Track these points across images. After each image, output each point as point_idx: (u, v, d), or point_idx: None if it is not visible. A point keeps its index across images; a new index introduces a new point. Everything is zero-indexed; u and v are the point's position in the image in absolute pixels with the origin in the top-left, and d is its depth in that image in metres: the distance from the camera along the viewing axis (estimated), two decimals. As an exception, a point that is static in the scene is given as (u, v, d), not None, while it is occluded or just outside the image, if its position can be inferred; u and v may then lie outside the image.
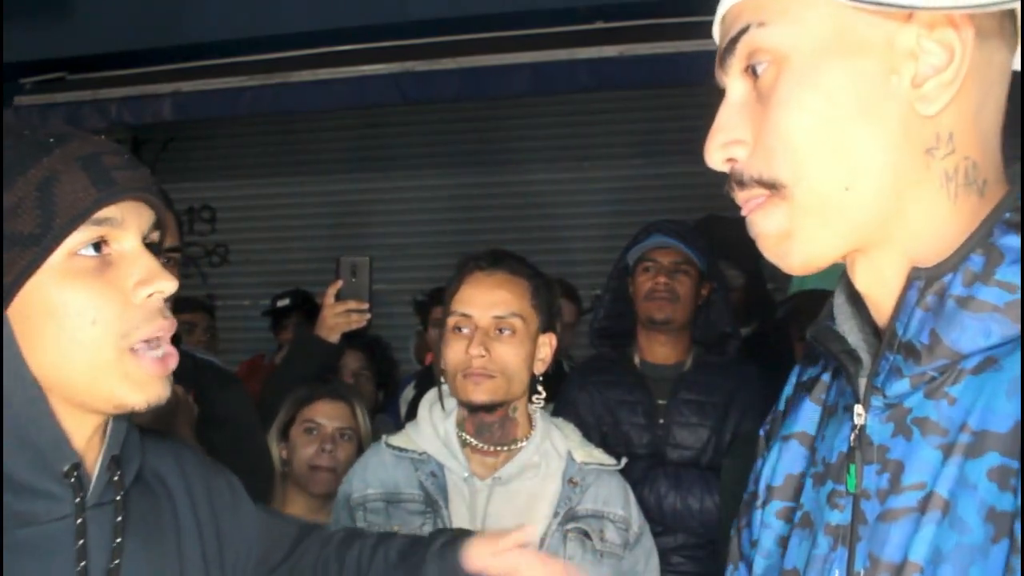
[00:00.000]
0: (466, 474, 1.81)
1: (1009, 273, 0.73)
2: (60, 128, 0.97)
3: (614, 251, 2.90)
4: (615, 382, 2.66)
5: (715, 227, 3.27)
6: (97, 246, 0.94)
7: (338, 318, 2.36)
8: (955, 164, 0.77)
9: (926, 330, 0.76)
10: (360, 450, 2.46)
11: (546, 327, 1.84)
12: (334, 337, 2.38)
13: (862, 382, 0.82)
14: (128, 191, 0.95)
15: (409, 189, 5.81)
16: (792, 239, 0.80)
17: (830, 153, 0.77)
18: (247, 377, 4.40)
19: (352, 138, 5.80)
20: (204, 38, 4.02)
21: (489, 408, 1.79)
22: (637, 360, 2.70)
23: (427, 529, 1.77)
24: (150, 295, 0.95)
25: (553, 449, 1.86)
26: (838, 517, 0.81)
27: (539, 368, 1.84)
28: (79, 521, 0.96)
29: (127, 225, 0.95)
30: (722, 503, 2.32)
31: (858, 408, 0.81)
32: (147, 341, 0.95)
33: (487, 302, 1.78)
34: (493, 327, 1.77)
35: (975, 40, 0.76)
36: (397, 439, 1.88)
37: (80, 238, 0.92)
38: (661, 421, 2.59)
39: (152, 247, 0.98)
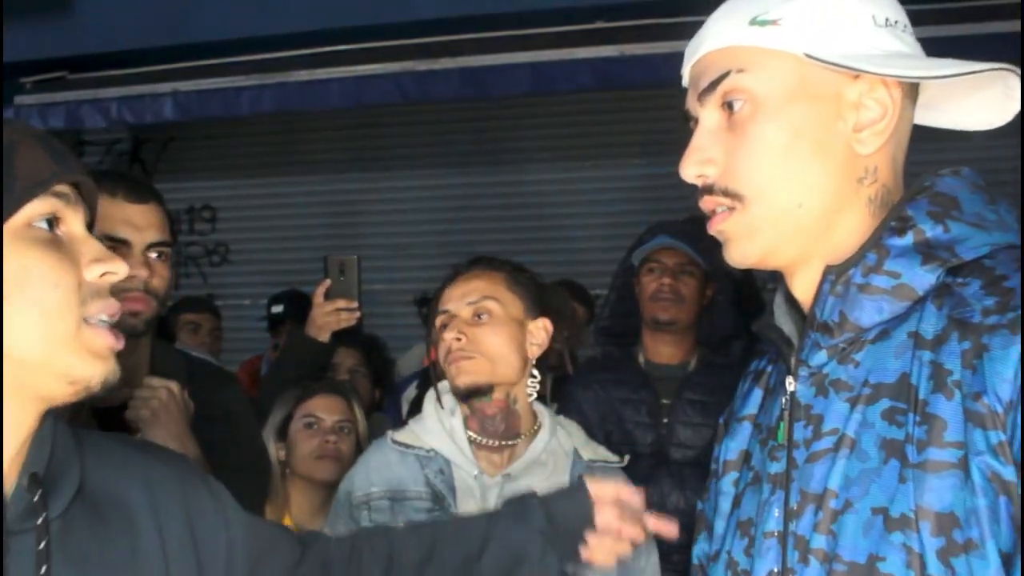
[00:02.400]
0: (476, 471, 1.81)
1: (894, 265, 0.96)
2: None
3: (614, 251, 2.90)
4: (620, 381, 2.66)
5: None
6: (50, 224, 0.92)
7: (327, 317, 2.36)
8: (876, 191, 1.01)
9: (836, 311, 0.98)
10: (358, 445, 2.47)
11: (536, 313, 1.86)
12: (324, 336, 2.38)
13: (793, 360, 1.04)
14: (79, 173, 0.95)
15: (409, 189, 5.81)
16: (752, 239, 1.01)
17: (789, 177, 0.99)
18: (247, 378, 4.39)
19: (353, 137, 5.80)
20: (205, 38, 4.02)
21: (476, 393, 1.79)
22: (641, 360, 2.71)
23: None
24: (103, 274, 0.93)
25: (560, 447, 1.86)
26: (776, 467, 1.03)
27: (534, 352, 1.85)
28: None
29: (77, 207, 0.95)
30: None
31: (789, 379, 1.04)
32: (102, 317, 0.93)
33: (462, 293, 1.85)
34: (471, 314, 1.82)
35: (901, 100, 0.99)
36: (402, 435, 1.87)
37: (37, 208, 0.91)
38: (665, 420, 2.60)
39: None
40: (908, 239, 0.96)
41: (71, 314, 0.90)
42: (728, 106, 1.01)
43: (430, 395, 1.92)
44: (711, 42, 1.03)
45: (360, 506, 1.84)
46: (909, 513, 0.89)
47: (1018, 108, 0.99)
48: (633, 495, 1.34)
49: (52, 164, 0.92)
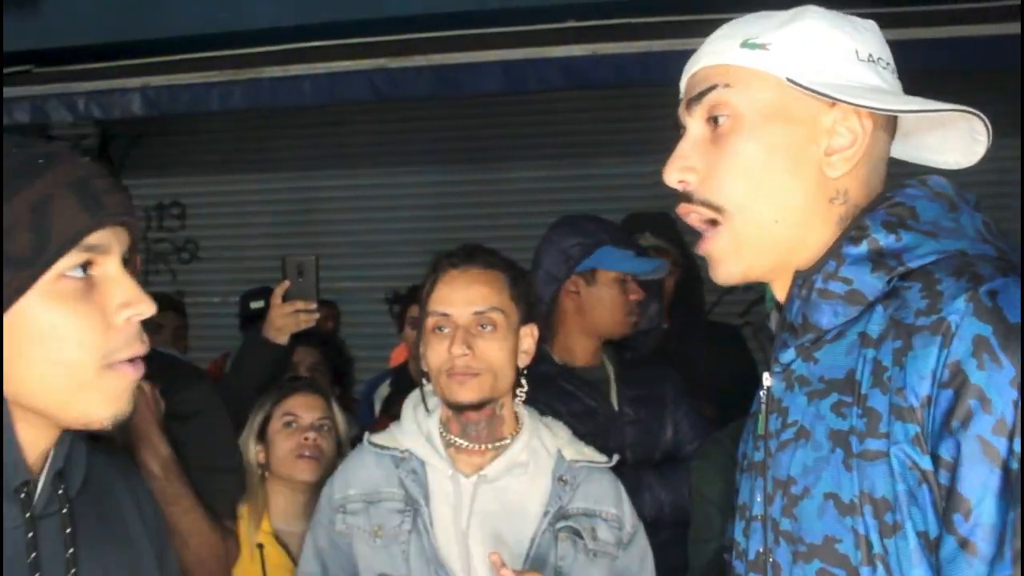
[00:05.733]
0: (450, 471, 1.79)
1: (848, 271, 1.05)
2: (47, 147, 1.00)
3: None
4: (561, 393, 2.46)
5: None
6: (83, 267, 0.96)
7: (286, 319, 2.35)
8: (846, 211, 1.09)
9: (800, 314, 1.08)
10: (338, 443, 2.46)
11: (526, 319, 1.84)
12: (282, 338, 2.36)
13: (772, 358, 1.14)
14: (114, 216, 0.98)
15: (381, 187, 5.80)
16: (738, 258, 1.10)
17: (766, 193, 1.08)
18: (217, 376, 4.36)
19: (324, 134, 5.78)
20: (174, 33, 3.99)
21: (477, 407, 1.76)
22: (559, 363, 2.53)
23: (406, 528, 1.76)
24: (129, 317, 0.98)
25: (542, 447, 1.84)
26: (758, 456, 1.14)
27: (523, 361, 1.83)
28: (30, 535, 0.97)
29: (111, 250, 0.98)
30: (692, 503, 2.31)
31: (766, 374, 1.15)
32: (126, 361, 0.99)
33: (465, 299, 1.76)
34: (474, 324, 1.75)
35: (872, 130, 1.08)
36: (380, 438, 1.86)
37: (69, 261, 0.95)
38: (616, 424, 2.52)
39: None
40: (863, 248, 1.05)
41: (91, 367, 0.96)
42: (714, 120, 1.09)
43: (411, 398, 1.90)
44: (706, 59, 1.12)
45: (338, 509, 1.82)
46: (854, 499, 0.99)
47: (983, 152, 1.09)
48: None
49: (85, 216, 0.95)
